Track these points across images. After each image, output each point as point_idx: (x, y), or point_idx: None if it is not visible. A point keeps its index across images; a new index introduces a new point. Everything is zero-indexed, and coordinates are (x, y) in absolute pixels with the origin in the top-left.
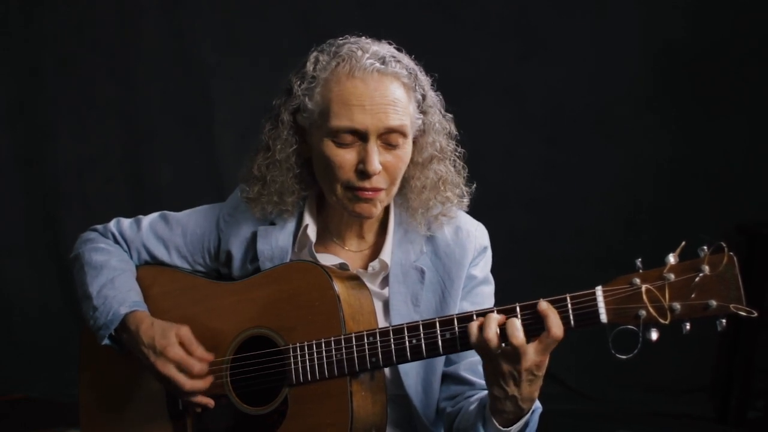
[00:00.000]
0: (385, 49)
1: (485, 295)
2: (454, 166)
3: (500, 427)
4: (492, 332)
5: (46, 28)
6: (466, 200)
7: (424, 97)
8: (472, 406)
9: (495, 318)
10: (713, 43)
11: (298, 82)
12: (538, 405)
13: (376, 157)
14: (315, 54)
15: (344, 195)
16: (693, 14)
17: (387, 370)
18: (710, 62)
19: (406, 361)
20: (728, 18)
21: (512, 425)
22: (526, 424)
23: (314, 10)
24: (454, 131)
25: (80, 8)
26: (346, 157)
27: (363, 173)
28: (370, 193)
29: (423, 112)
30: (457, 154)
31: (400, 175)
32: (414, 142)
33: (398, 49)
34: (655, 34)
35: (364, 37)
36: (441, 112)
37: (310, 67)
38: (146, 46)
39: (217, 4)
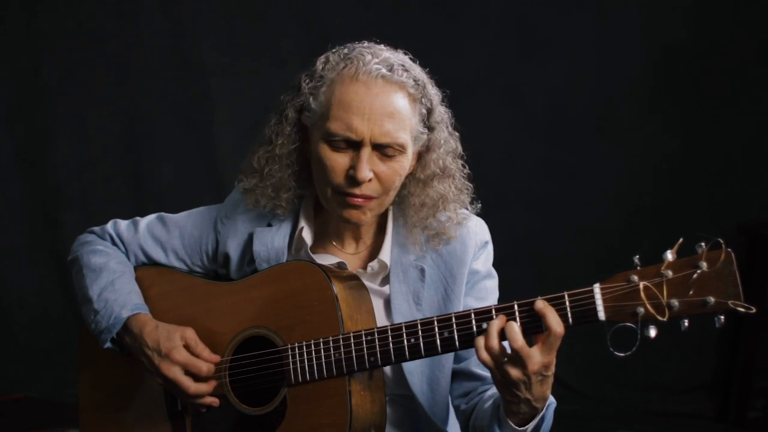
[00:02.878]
0: (397, 57)
1: (489, 290)
2: (456, 186)
3: (516, 428)
4: (495, 342)
5: (46, 28)
6: (469, 221)
7: (430, 111)
8: (487, 404)
9: (496, 326)
10: (714, 44)
11: (307, 80)
12: (552, 400)
13: (366, 166)
14: (327, 54)
15: (334, 199)
16: (693, 15)
17: (390, 370)
18: (711, 62)
19: (405, 360)
20: (729, 18)
21: (528, 424)
22: (542, 420)
23: (314, 10)
24: (461, 150)
25: (80, 8)
26: (338, 161)
27: (353, 179)
28: (360, 200)
29: (429, 128)
30: (463, 175)
31: (394, 186)
32: (418, 158)
33: (413, 60)
34: (655, 34)
35: (382, 45)
36: (448, 130)
37: (319, 66)
38: (146, 46)
39: (217, 4)
